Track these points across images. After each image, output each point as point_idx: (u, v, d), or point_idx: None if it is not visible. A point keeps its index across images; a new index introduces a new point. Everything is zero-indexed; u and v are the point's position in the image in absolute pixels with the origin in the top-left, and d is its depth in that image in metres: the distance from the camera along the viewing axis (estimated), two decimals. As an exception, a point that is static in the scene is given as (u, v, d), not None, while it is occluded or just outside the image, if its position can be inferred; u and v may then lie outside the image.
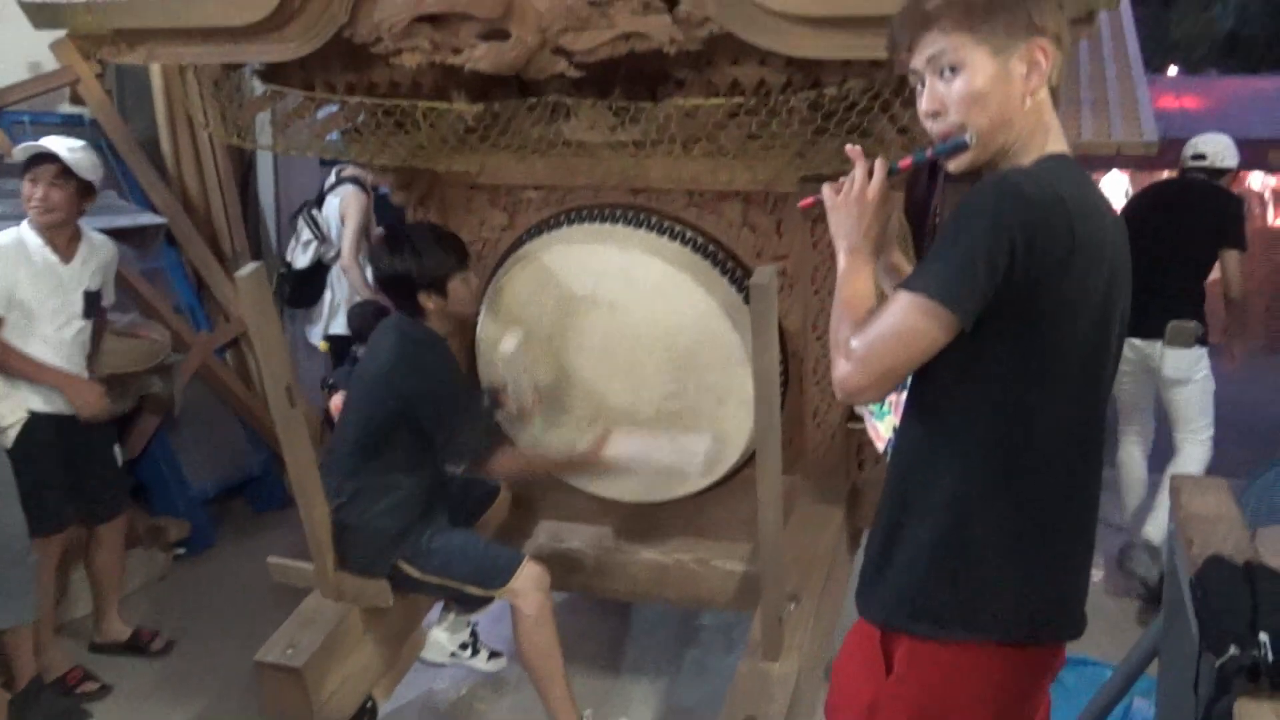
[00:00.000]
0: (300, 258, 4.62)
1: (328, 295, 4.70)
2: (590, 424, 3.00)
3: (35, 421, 3.08)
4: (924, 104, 1.49)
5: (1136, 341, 3.99)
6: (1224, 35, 15.10)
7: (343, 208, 4.57)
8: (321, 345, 4.72)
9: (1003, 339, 1.42)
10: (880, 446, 2.66)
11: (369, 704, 2.86)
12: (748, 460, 2.91)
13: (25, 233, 3.09)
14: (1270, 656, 1.54)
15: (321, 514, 2.63)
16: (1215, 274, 4.03)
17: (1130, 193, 11.60)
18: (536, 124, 2.52)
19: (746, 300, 2.55)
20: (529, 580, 2.69)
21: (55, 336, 3.12)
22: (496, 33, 2.24)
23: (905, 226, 2.84)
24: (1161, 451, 4.26)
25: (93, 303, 3.22)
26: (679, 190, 2.83)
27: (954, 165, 1.50)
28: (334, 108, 2.73)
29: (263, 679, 2.61)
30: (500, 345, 2.82)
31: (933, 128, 1.50)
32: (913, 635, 1.56)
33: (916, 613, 1.54)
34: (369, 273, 4.78)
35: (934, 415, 1.54)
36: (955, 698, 1.55)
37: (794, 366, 2.95)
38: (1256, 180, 11.33)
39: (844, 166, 2.21)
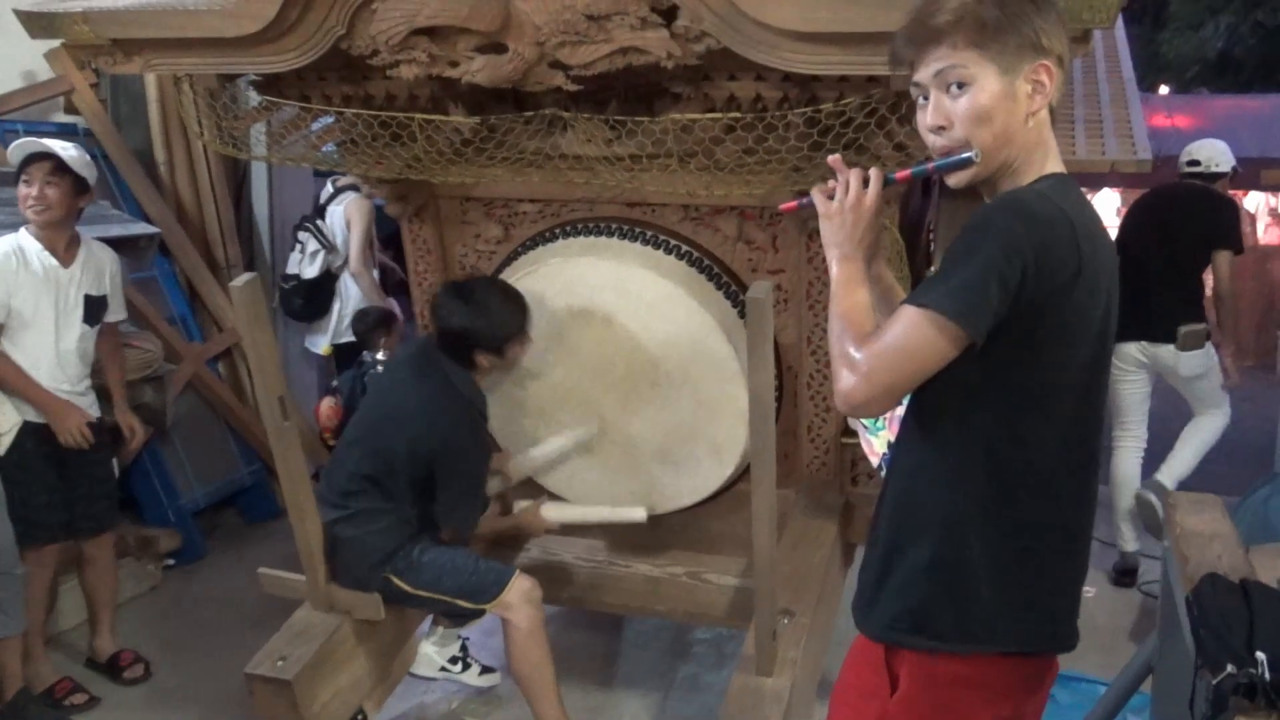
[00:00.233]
0: (309, 268, 4.63)
1: (336, 305, 4.71)
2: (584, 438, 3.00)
3: (28, 431, 3.06)
4: (929, 118, 1.49)
5: (1145, 345, 4.12)
6: (1215, 56, 15.18)
7: (347, 214, 4.58)
8: (324, 349, 4.73)
9: (1005, 360, 1.43)
10: (875, 461, 2.66)
11: (359, 717, 2.84)
12: (742, 474, 2.91)
13: (23, 238, 3.08)
14: (1267, 675, 1.54)
15: (314, 526, 2.62)
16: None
17: (1122, 210, 11.67)
18: (533, 137, 2.52)
19: (742, 315, 2.55)
20: (520, 594, 2.69)
21: (54, 343, 3.10)
22: (494, 46, 2.24)
23: (900, 242, 2.85)
24: (1157, 457, 4.32)
25: (95, 308, 3.20)
26: (675, 204, 2.83)
27: (954, 181, 1.50)
28: (330, 119, 2.73)
29: (253, 691, 2.59)
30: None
31: (935, 142, 1.50)
32: (916, 650, 1.57)
33: (918, 627, 1.55)
34: (376, 274, 4.82)
35: (934, 434, 1.54)
36: (962, 709, 1.56)
37: (789, 381, 2.95)
38: (1249, 200, 11.40)
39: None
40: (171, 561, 4.16)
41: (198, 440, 4.44)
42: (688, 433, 2.88)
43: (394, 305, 4.64)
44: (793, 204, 1.67)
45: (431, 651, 3.28)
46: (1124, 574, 4.16)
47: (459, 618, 2.93)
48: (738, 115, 2.29)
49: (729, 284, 2.83)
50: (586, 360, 2.89)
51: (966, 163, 1.46)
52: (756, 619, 2.39)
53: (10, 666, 2.96)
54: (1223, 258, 4.07)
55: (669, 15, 2.14)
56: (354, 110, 2.55)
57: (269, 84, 2.68)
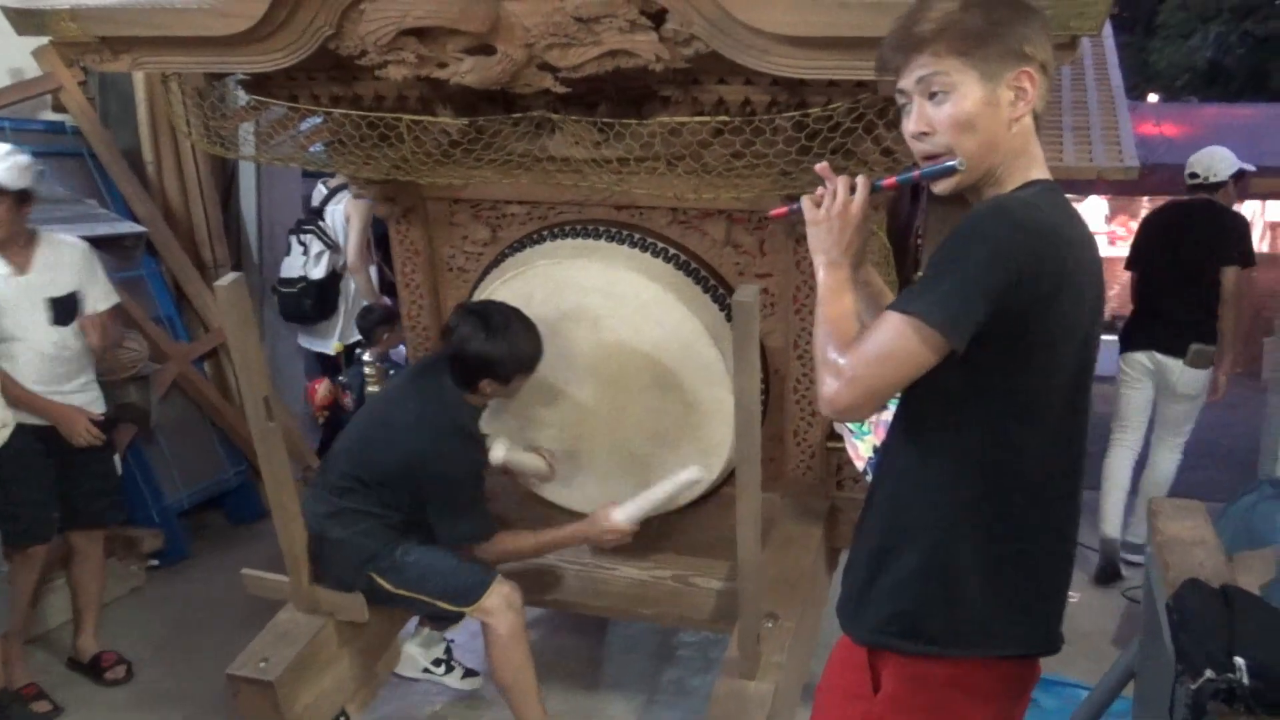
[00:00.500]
0: (315, 269, 4.62)
1: (342, 304, 4.70)
2: (572, 441, 2.99)
3: (21, 433, 3.03)
4: (911, 125, 1.50)
5: (1156, 355, 4.20)
6: (1204, 65, 15.28)
7: (347, 211, 4.58)
8: (336, 347, 4.74)
9: (991, 367, 1.44)
10: (860, 466, 2.66)
11: (342, 718, 2.83)
12: (728, 478, 2.91)
13: None
14: (1246, 680, 1.55)
15: (297, 527, 2.62)
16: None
17: (1109, 216, 11.73)
18: (521, 139, 2.52)
19: (729, 318, 2.55)
20: (500, 599, 2.69)
21: (34, 349, 3.09)
22: (483, 48, 2.24)
23: (888, 247, 2.86)
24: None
25: (61, 309, 3.14)
26: (663, 208, 2.83)
27: (940, 188, 1.51)
28: (318, 119, 2.72)
29: (236, 693, 2.58)
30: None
31: (919, 148, 1.51)
32: (901, 653, 1.57)
33: (905, 631, 1.56)
34: (374, 272, 4.82)
35: (922, 439, 1.55)
36: (945, 710, 1.56)
37: (775, 385, 2.95)
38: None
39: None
40: (155, 562, 4.15)
41: (183, 441, 4.43)
42: (675, 436, 2.87)
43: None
44: (782, 210, 1.68)
45: (416, 652, 3.28)
46: (1108, 566, 4.25)
47: (441, 619, 2.93)
48: (726, 119, 2.29)
49: (716, 287, 2.83)
50: (574, 363, 2.89)
51: (951, 170, 1.47)
52: (741, 623, 2.39)
53: None
54: (1230, 273, 4.11)
55: (658, 18, 2.14)
56: (342, 110, 2.55)
57: (257, 83, 2.67)
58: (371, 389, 4.02)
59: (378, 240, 4.98)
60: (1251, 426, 5.62)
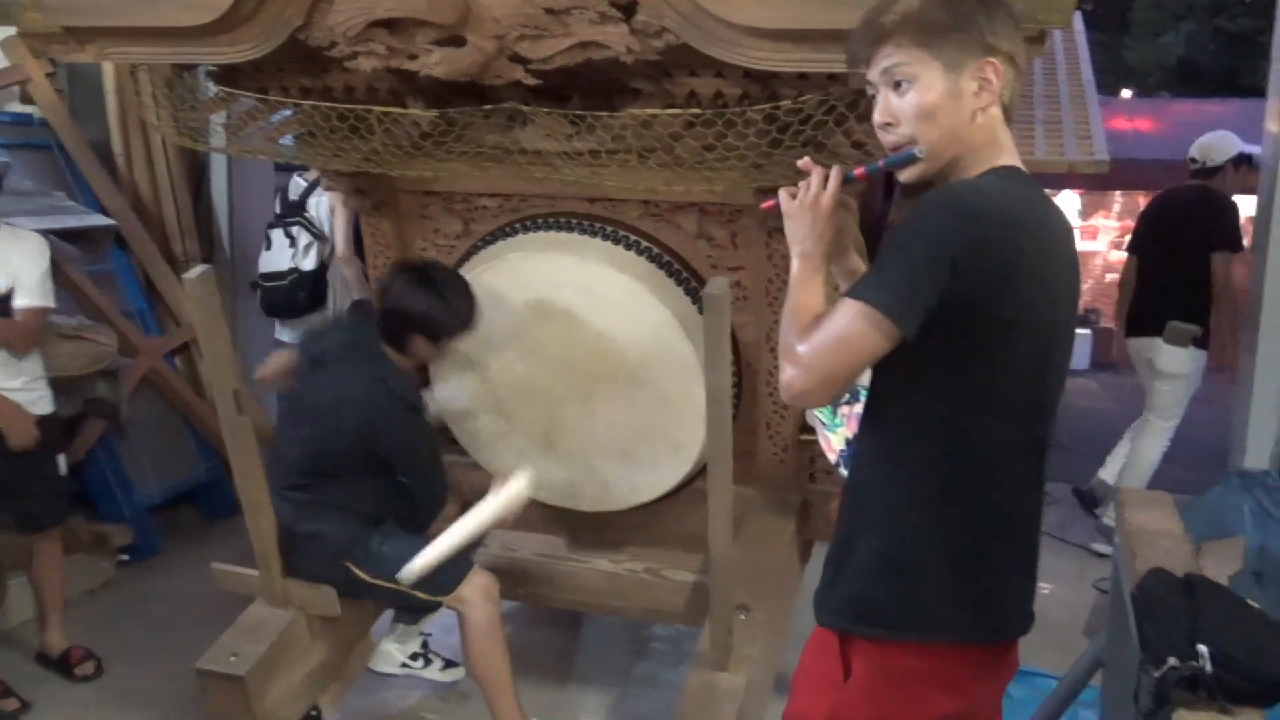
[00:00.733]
0: (305, 261, 4.56)
1: (330, 295, 4.67)
2: (543, 433, 2.99)
3: None
4: (877, 116, 1.53)
5: (1133, 340, 4.41)
6: (1176, 61, 15.41)
7: (332, 201, 4.54)
8: None
9: (945, 354, 1.45)
10: (832, 458, 2.67)
11: (314, 713, 2.82)
12: (700, 471, 2.91)
13: None
14: (1209, 668, 1.56)
15: (268, 521, 2.60)
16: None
17: (1082, 210, 11.83)
18: (493, 131, 2.51)
19: (701, 311, 2.56)
20: (477, 589, 2.69)
21: None
22: (453, 39, 2.23)
23: (860, 239, 2.86)
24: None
25: (5, 303, 3.06)
26: (635, 200, 2.83)
27: (904, 176, 1.53)
28: (289, 112, 2.70)
29: (205, 687, 2.57)
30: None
31: (885, 139, 1.53)
32: (866, 639, 1.59)
33: (867, 617, 1.57)
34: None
35: (882, 428, 1.58)
36: (910, 696, 1.57)
37: (748, 378, 2.95)
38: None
39: (799, 179, 2.23)
40: (125, 557, 4.11)
41: (154, 435, 4.40)
42: (647, 429, 2.87)
43: None
44: (771, 203, 1.69)
45: (392, 648, 3.27)
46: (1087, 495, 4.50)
47: (415, 611, 2.92)
48: (698, 111, 2.29)
49: (689, 280, 2.83)
50: (547, 356, 2.88)
51: (912, 159, 1.49)
52: (712, 615, 2.40)
53: None
54: (1219, 258, 4.18)
55: (629, 10, 2.13)
56: (312, 102, 2.53)
57: (227, 75, 2.65)
58: None
59: (356, 233, 4.96)
60: (1218, 418, 5.68)
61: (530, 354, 2.89)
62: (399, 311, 2.67)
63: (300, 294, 4.57)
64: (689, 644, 3.44)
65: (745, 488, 2.98)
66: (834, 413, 2.57)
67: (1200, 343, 4.27)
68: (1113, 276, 11.52)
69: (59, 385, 3.35)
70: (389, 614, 3.20)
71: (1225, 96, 12.32)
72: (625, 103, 2.41)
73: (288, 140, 2.82)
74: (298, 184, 4.67)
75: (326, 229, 4.58)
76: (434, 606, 2.78)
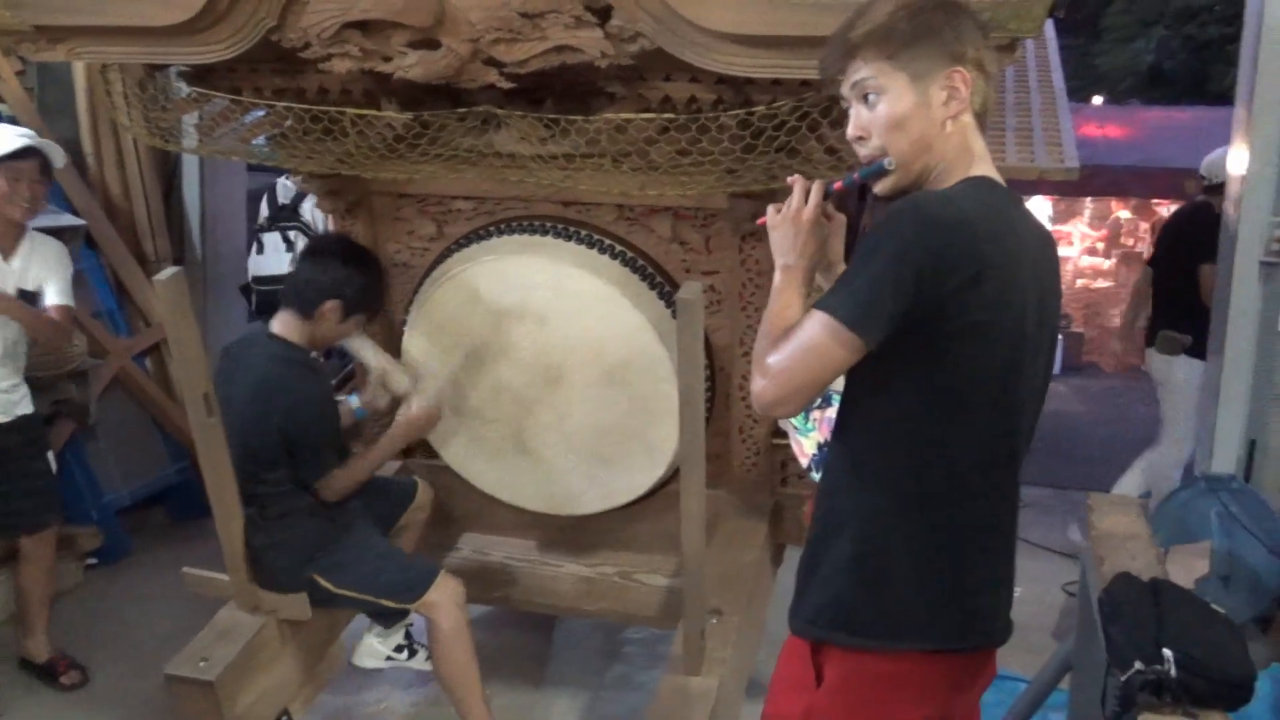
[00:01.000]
0: None
1: None
2: (516, 436, 2.99)
3: None
4: (849, 129, 1.56)
5: (1149, 350, 4.56)
6: (1147, 68, 15.55)
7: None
8: None
9: (912, 362, 1.46)
10: (804, 463, 2.68)
11: (284, 718, 2.80)
12: (674, 474, 2.91)
13: None
14: (1174, 672, 1.58)
15: (238, 524, 2.59)
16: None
17: (1054, 216, 11.95)
18: (467, 134, 2.50)
19: (675, 315, 2.56)
20: (444, 594, 2.69)
21: None
22: (427, 41, 2.23)
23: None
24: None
25: (29, 303, 3.13)
26: (610, 204, 2.83)
27: (878, 188, 1.56)
28: (262, 112, 2.69)
29: (175, 693, 2.55)
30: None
31: (859, 151, 1.56)
32: (837, 646, 1.59)
33: (837, 623, 1.58)
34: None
35: (852, 435, 1.59)
36: (882, 705, 1.58)
37: (721, 382, 2.96)
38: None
39: (772, 184, 2.25)
40: (94, 561, 4.07)
41: (124, 437, 4.35)
42: (621, 433, 2.88)
43: None
44: (764, 219, 1.70)
45: (375, 643, 3.23)
46: None
47: (385, 617, 2.91)
48: (672, 116, 2.29)
49: (663, 284, 2.83)
50: (520, 359, 2.88)
51: (882, 170, 1.51)
52: (685, 618, 2.41)
53: None
54: (1207, 269, 4.29)
55: (604, 15, 2.14)
56: (285, 104, 2.52)
57: (199, 75, 2.63)
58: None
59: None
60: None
61: (503, 357, 2.88)
62: (317, 277, 2.67)
63: None
64: (662, 647, 3.44)
65: (718, 491, 2.99)
66: (806, 417, 2.58)
67: (1196, 353, 4.35)
68: (1083, 282, 11.64)
69: (39, 384, 3.37)
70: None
71: (1195, 103, 12.46)
72: (600, 107, 2.41)
73: (260, 141, 2.80)
74: (286, 187, 4.64)
75: (320, 228, 4.55)
76: (403, 613, 2.78)
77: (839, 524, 1.58)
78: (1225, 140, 4.28)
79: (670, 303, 2.79)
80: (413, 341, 2.96)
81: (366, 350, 2.87)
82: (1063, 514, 5.13)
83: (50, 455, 3.36)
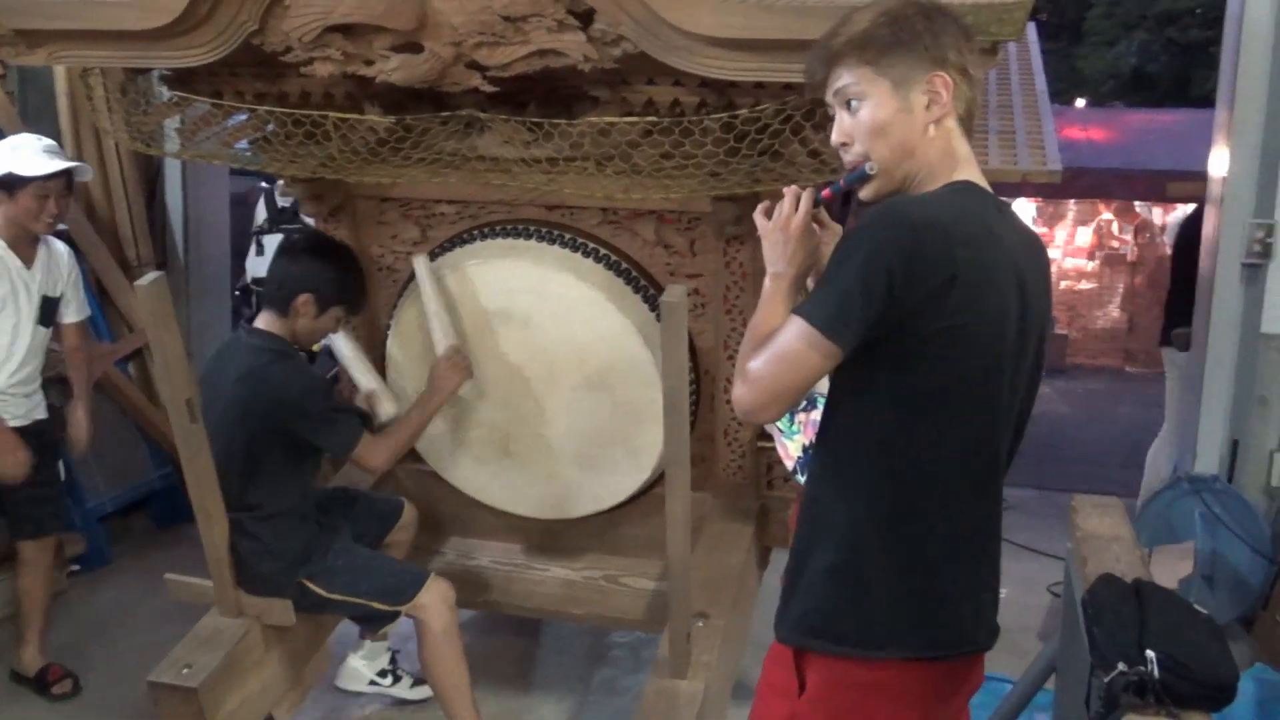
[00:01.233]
0: None
1: None
2: (501, 440, 2.98)
3: None
4: (834, 136, 1.56)
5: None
6: (1130, 71, 15.65)
7: None
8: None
9: (887, 367, 1.46)
10: (790, 465, 2.68)
11: (268, 725, 2.79)
12: (659, 478, 2.91)
13: None
14: (1157, 673, 1.58)
15: (221, 530, 2.57)
16: None
17: (1037, 219, 12.02)
18: (450, 138, 2.50)
19: (659, 318, 2.56)
20: (435, 596, 2.68)
21: (8, 345, 3.10)
22: (410, 45, 2.22)
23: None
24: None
25: (49, 310, 3.20)
26: (594, 208, 2.83)
27: (863, 194, 1.56)
28: (244, 116, 2.68)
29: (157, 700, 2.53)
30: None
31: (844, 158, 1.57)
32: (818, 653, 1.58)
33: (818, 631, 1.57)
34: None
35: (833, 440, 1.58)
36: (864, 713, 1.57)
37: (706, 385, 2.96)
38: (1157, 212, 11.74)
39: (756, 187, 2.25)
40: (76, 567, 4.05)
41: (106, 443, 4.30)
42: (606, 436, 2.88)
43: None
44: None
45: (360, 665, 3.22)
46: None
47: (373, 621, 2.90)
48: (655, 120, 2.29)
49: (647, 288, 2.83)
50: (504, 363, 2.88)
51: (865, 176, 1.52)
52: (671, 622, 2.40)
53: None
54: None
55: (586, 18, 2.13)
56: (267, 107, 2.51)
57: (180, 79, 2.62)
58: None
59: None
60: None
61: (488, 361, 2.88)
62: (290, 273, 2.68)
63: None
64: (648, 651, 3.44)
65: (703, 494, 2.99)
66: (791, 420, 2.58)
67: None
68: (1067, 284, 11.71)
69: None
70: (355, 630, 3.17)
71: (1176, 106, 12.54)
72: (583, 110, 2.41)
73: (243, 145, 2.79)
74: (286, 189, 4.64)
75: None
76: (393, 616, 2.77)
77: (820, 531, 1.57)
78: (1207, 142, 4.31)
79: (654, 306, 2.78)
80: (396, 345, 2.96)
81: (355, 367, 2.89)
82: (1047, 516, 5.14)
83: (60, 464, 3.41)
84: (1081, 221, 12.29)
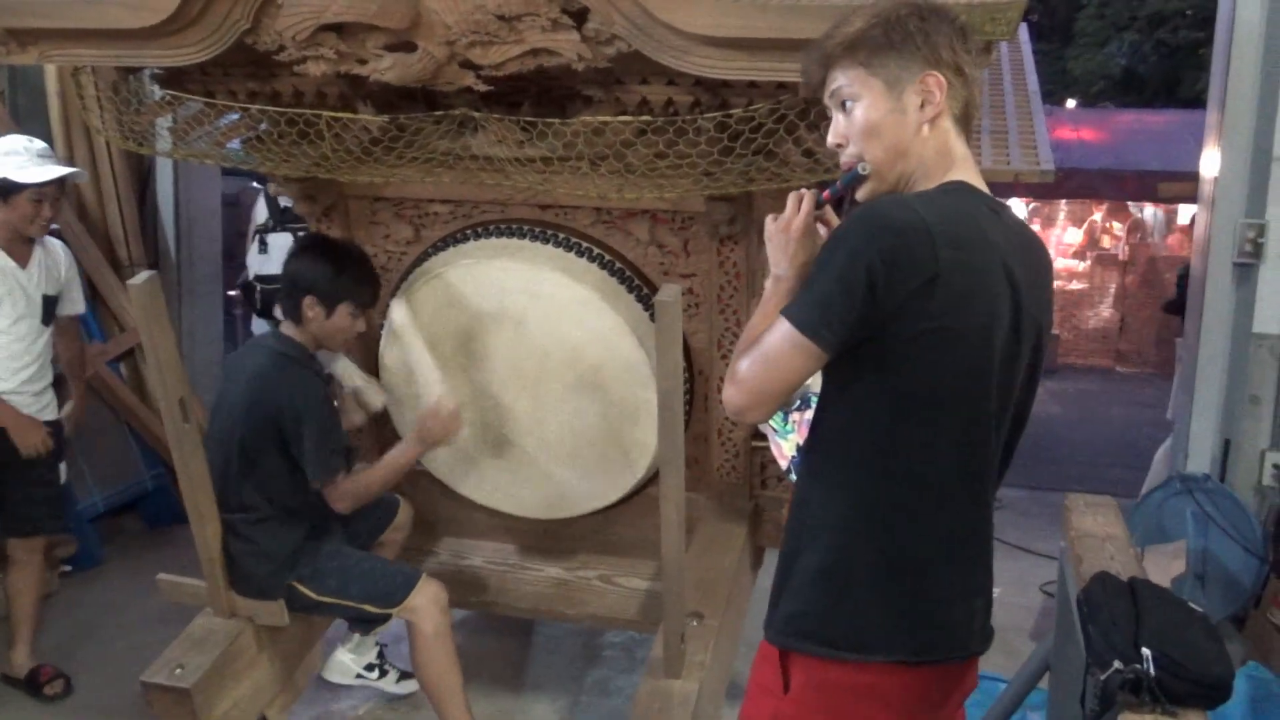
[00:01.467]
0: None
1: None
2: (495, 440, 2.98)
3: None
4: (829, 137, 1.57)
5: None
6: (1120, 72, 15.71)
7: None
8: None
9: (873, 367, 1.45)
10: (783, 465, 2.68)
11: (261, 725, 2.78)
12: (652, 478, 2.91)
13: None
14: (1153, 671, 1.58)
15: (214, 530, 2.57)
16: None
17: (1029, 219, 12.07)
18: (443, 138, 2.49)
19: (653, 318, 2.56)
20: (427, 598, 2.68)
21: (10, 344, 3.11)
22: (403, 44, 2.22)
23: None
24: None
25: (50, 308, 3.22)
26: (587, 208, 2.83)
27: (860, 195, 1.56)
28: (236, 115, 2.67)
29: (150, 700, 2.52)
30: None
31: (840, 159, 1.57)
32: (803, 654, 1.57)
33: (804, 633, 1.56)
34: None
35: (822, 441, 1.58)
36: (848, 714, 1.56)
37: (699, 385, 2.96)
38: (1148, 211, 11.78)
39: (749, 187, 2.25)
40: (68, 568, 4.04)
41: (98, 443, 4.31)
42: (599, 436, 2.87)
43: None
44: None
45: (347, 659, 3.23)
46: None
47: (365, 623, 2.90)
48: (649, 119, 2.29)
49: (641, 287, 2.83)
50: (498, 363, 2.87)
51: (859, 177, 1.52)
52: (665, 622, 2.40)
53: None
54: None
55: (580, 17, 2.13)
56: (259, 106, 2.50)
57: (172, 78, 2.61)
58: None
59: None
60: (1163, 426, 5.79)
61: (482, 361, 2.88)
62: (294, 274, 2.69)
63: None
64: (641, 650, 3.45)
65: (697, 494, 2.99)
66: (785, 419, 2.59)
67: None
68: (1058, 284, 11.76)
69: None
70: (343, 622, 3.17)
71: (1166, 107, 12.60)
72: (577, 110, 2.41)
73: (235, 145, 2.78)
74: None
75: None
76: (385, 618, 2.76)
77: (809, 533, 1.56)
78: (1197, 143, 4.33)
79: (648, 306, 2.78)
80: (388, 351, 2.95)
81: (339, 365, 2.86)
82: (1038, 515, 5.16)
83: (62, 466, 3.40)
84: (1073, 221, 12.32)
